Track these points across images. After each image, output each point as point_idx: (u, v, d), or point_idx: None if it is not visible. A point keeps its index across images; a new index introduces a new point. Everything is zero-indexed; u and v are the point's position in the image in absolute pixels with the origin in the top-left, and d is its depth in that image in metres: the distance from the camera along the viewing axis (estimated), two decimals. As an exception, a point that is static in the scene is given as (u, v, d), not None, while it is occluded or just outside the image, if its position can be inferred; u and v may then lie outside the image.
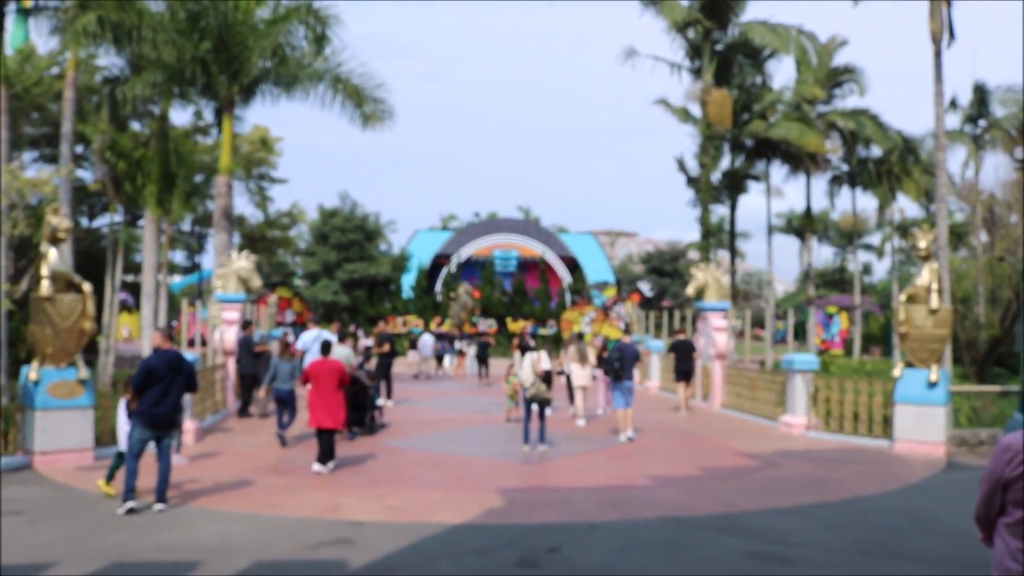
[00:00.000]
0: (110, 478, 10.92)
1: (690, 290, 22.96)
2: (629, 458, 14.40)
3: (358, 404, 16.62)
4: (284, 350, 16.66)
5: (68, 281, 13.61)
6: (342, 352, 16.68)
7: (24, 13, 32.68)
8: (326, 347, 13.89)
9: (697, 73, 32.94)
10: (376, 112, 27.79)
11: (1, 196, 27.66)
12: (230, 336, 20.13)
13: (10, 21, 30.72)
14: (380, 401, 18.55)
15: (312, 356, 18.46)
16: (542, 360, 14.81)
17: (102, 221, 40.14)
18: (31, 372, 13.13)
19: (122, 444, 10.94)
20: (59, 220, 13.35)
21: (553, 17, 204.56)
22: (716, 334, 22.34)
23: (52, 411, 13.05)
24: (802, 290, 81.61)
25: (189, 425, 15.55)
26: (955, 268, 49.09)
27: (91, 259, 37.78)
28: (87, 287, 13.64)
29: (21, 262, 30.76)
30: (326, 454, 12.73)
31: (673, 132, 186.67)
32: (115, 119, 30.11)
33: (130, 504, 9.96)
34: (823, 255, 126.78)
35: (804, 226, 39.02)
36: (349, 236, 52.44)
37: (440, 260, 60.10)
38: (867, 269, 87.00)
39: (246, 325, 20.64)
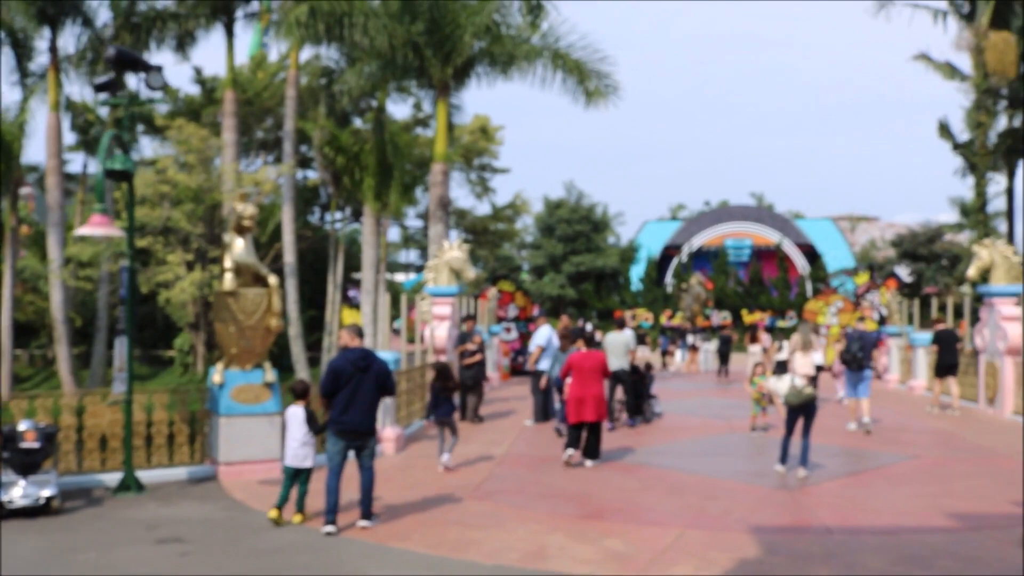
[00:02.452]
0: (282, 503, 9.27)
1: (972, 271, 19.20)
2: (913, 483, 11.41)
3: (638, 392, 16.98)
4: (564, 341, 15.91)
5: (256, 274, 12.30)
6: (624, 337, 16.56)
7: (253, 17, 33.08)
8: (590, 339, 13.51)
9: (967, 18, 28.42)
10: (600, 88, 25.71)
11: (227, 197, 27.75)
12: (441, 333, 18.58)
13: (242, 29, 30.91)
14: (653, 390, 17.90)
15: (550, 354, 16.97)
16: (796, 379, 11.81)
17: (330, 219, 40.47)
18: (215, 374, 11.90)
19: (288, 458, 9.44)
20: (244, 207, 12.03)
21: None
22: (1006, 324, 18.51)
23: (237, 417, 11.75)
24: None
25: (390, 432, 14.01)
26: None
27: (321, 257, 38.07)
28: (273, 280, 12.26)
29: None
30: (593, 450, 12.58)
31: (915, 107, 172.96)
32: (334, 114, 29.72)
33: (330, 528, 8.79)
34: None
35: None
36: (575, 228, 50.77)
37: (670, 251, 57.42)
38: None
39: (466, 320, 18.96)
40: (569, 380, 12.83)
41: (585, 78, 25.38)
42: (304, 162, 37.33)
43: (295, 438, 9.42)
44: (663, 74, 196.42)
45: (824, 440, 14.53)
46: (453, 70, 24.66)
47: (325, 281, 34.82)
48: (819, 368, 22.09)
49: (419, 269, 57.41)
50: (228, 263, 12.02)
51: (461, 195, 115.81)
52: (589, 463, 12.56)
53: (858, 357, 16.08)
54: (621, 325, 17.72)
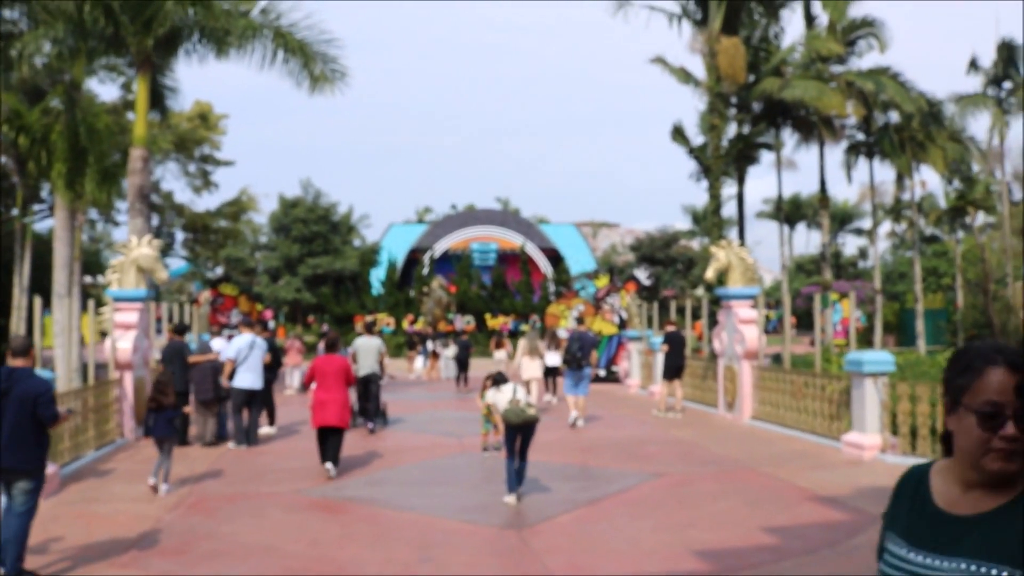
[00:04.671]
0: None
1: (710, 273, 18.56)
2: (658, 511, 9.99)
3: (371, 395, 16.66)
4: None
5: None
6: (375, 341, 17.02)
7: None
8: (332, 344, 13.30)
9: (701, 23, 28.52)
10: (326, 72, 23.33)
11: None
12: (125, 344, 15.57)
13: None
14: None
15: (245, 367, 14.90)
16: (518, 391, 10.65)
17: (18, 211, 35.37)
18: None
19: None
20: None
21: (521, 9, 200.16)
22: (744, 327, 17.96)
23: None
24: (793, 277, 77.84)
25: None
26: (972, 245, 45.32)
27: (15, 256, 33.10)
28: None
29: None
30: (334, 455, 12.15)
31: (653, 116, 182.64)
32: (14, 88, 25.49)
33: None
34: (812, 240, 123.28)
35: (820, 202, 34.64)
36: (312, 228, 47.86)
37: (415, 255, 55.71)
38: (862, 253, 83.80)
39: (181, 331, 16.21)
40: (313, 385, 12.46)
41: (310, 61, 22.95)
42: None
43: None
44: (412, 80, 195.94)
45: (560, 457, 13.08)
46: (155, 41, 21.43)
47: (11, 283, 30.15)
48: (554, 369, 21.31)
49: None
50: None
51: (178, 188, 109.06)
52: (330, 467, 12.04)
53: (577, 357, 16.87)
54: (370, 329, 17.84)
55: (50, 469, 11.29)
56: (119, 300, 16.05)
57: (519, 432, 10.35)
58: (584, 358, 16.91)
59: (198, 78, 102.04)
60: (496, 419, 13.22)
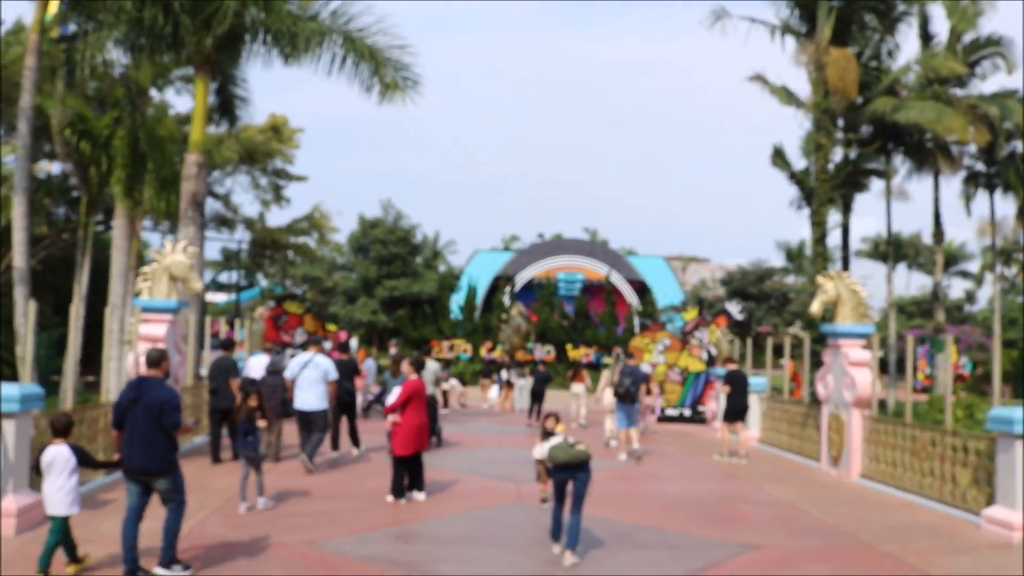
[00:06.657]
0: (45, 565, 7.71)
1: (815, 306, 16.09)
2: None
3: (433, 417, 16.09)
4: (396, 367, 14.51)
5: None
6: (434, 365, 16.42)
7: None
8: (420, 365, 12.66)
9: (806, 36, 26.08)
10: (397, 80, 21.83)
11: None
12: (148, 360, 14.01)
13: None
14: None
15: (296, 387, 13.96)
16: (569, 439, 9.02)
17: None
18: None
19: (51, 506, 8.03)
20: None
21: (617, 46, 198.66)
22: (854, 370, 15.47)
23: None
24: (888, 320, 73.89)
25: (12, 503, 9.46)
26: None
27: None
28: None
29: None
30: (423, 481, 12.00)
31: (745, 155, 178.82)
32: (75, 88, 24.59)
33: None
34: (914, 282, 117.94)
35: (935, 237, 31.65)
36: (391, 249, 46.51)
37: (499, 282, 54.03)
38: (970, 297, 79.38)
39: (228, 346, 15.00)
40: (397, 413, 11.65)
41: (380, 67, 21.49)
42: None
43: (52, 484, 8.10)
44: (505, 113, 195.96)
45: (630, 515, 10.94)
46: (216, 41, 20.14)
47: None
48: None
49: (240, 288, 51.45)
50: None
51: (245, 200, 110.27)
52: (422, 496, 11.87)
53: (631, 391, 16.68)
54: (428, 353, 17.63)
55: (30, 499, 9.72)
56: (147, 311, 14.50)
57: (569, 475, 8.76)
58: (636, 392, 16.94)
59: (275, 94, 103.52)
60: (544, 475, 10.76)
